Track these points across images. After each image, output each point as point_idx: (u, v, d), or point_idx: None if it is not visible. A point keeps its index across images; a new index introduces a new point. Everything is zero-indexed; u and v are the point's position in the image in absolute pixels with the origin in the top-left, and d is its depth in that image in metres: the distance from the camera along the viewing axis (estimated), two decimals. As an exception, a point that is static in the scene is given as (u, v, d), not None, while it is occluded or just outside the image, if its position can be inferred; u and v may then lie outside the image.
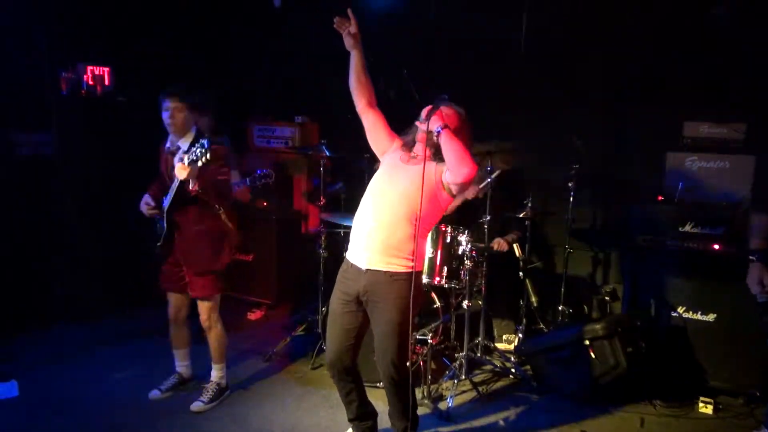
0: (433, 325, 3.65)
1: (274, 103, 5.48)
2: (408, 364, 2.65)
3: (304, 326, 4.20)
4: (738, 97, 3.81)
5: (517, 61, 4.41)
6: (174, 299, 3.43)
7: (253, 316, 4.83)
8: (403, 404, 2.75)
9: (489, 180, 3.73)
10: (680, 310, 3.59)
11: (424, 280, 3.57)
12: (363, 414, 2.89)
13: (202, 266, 3.28)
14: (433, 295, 3.87)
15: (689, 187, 3.74)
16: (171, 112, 3.13)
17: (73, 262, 4.56)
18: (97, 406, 3.32)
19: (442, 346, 3.86)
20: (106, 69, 4.82)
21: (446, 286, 3.59)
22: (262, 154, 5.18)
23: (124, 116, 4.73)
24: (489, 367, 3.83)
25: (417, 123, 2.61)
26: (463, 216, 3.98)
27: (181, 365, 3.58)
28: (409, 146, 2.69)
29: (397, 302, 2.55)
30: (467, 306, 3.64)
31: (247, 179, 4.12)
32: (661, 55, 4.06)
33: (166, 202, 3.19)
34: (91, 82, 4.74)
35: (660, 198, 3.76)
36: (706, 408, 3.44)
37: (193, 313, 3.45)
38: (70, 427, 3.10)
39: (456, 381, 3.58)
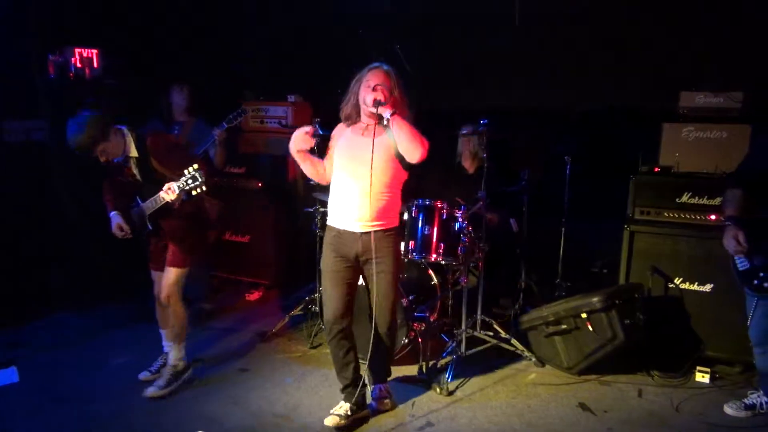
0: (430, 302, 3.65)
1: (266, 83, 5.41)
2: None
3: (302, 306, 4.20)
4: (734, 66, 3.77)
5: (512, 32, 4.35)
6: (159, 278, 3.39)
7: (251, 296, 4.84)
8: (391, 349, 3.21)
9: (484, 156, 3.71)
10: (677, 281, 3.60)
11: (421, 257, 3.57)
12: (356, 379, 3.04)
13: (186, 247, 3.29)
14: (431, 272, 3.87)
15: (686, 157, 3.71)
16: (100, 156, 3.08)
17: (68, 249, 4.54)
18: (96, 391, 3.33)
19: (441, 322, 3.87)
20: (95, 51, 4.74)
21: (443, 262, 3.59)
22: (256, 135, 5.13)
23: (114, 99, 4.66)
24: (487, 342, 3.84)
25: (365, 107, 2.81)
26: (459, 192, 3.96)
27: (169, 345, 3.50)
28: (353, 119, 2.92)
29: (391, 252, 2.92)
30: (464, 282, 3.64)
31: (223, 122, 4.20)
32: (657, 23, 4.00)
33: (143, 205, 3.19)
34: (79, 65, 4.66)
35: (657, 169, 3.73)
36: (703, 377, 3.47)
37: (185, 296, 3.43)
38: (71, 412, 3.12)
39: (455, 357, 3.59)
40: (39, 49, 4.42)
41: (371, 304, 2.99)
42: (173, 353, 3.38)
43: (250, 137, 5.13)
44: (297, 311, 4.18)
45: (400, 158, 2.83)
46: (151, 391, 3.24)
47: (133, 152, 3.17)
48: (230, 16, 5.33)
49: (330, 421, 2.94)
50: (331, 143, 3.01)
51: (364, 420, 3.04)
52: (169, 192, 3.03)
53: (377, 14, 4.62)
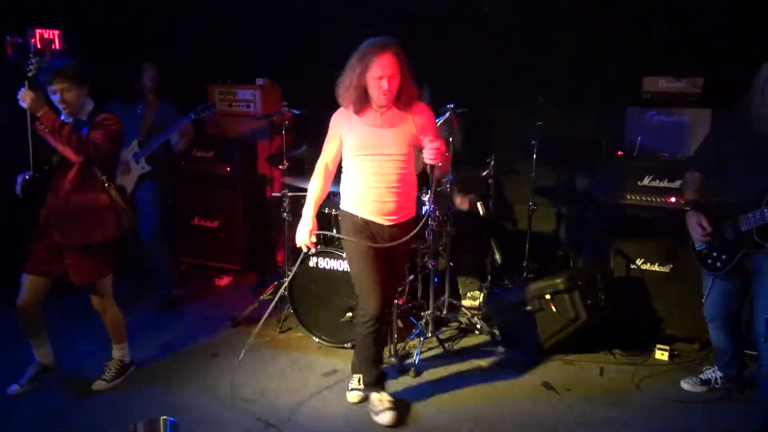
0: (399, 285, 3.68)
1: (234, 65, 5.33)
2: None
3: (271, 290, 4.21)
4: (695, 51, 3.84)
5: (481, 22, 4.36)
6: (34, 282, 3.05)
7: (221, 282, 4.82)
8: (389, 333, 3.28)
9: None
10: (639, 262, 3.69)
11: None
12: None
13: (77, 237, 2.98)
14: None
15: (648, 141, 3.79)
16: (60, 94, 2.92)
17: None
18: (65, 378, 3.30)
19: (409, 305, 3.91)
20: (56, 32, 4.61)
21: (412, 246, 3.61)
22: (224, 118, 5.06)
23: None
24: (455, 324, 3.90)
25: (378, 99, 2.66)
26: (426, 176, 3.97)
27: (41, 353, 3.23)
28: (360, 107, 2.71)
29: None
30: (432, 265, 3.67)
31: (191, 113, 4.07)
32: (621, 10, 4.05)
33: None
34: (39, 46, 4.53)
35: (620, 153, 3.80)
36: (662, 354, 3.58)
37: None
38: (35, 400, 3.09)
39: (422, 339, 3.64)
40: (-3, 29, 4.28)
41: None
42: (117, 351, 3.29)
43: (219, 120, 5.05)
44: (267, 296, 4.18)
45: (418, 150, 2.77)
46: (98, 385, 3.19)
47: (84, 116, 3.01)
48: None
49: (388, 417, 2.85)
50: (333, 131, 2.84)
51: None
52: (24, 93, 2.80)
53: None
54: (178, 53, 5.10)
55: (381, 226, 2.81)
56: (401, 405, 2.97)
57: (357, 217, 2.82)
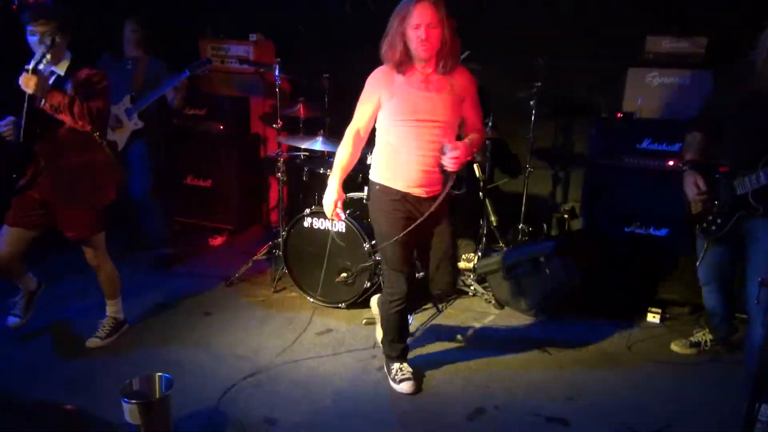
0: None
1: (227, 20, 5.18)
2: None
3: (265, 250, 4.19)
4: (699, 10, 3.75)
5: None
6: (17, 234, 2.94)
7: (215, 242, 4.80)
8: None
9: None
10: (634, 225, 3.68)
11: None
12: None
13: (83, 201, 2.96)
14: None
15: (648, 103, 3.73)
16: (41, 36, 2.71)
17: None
18: (59, 335, 3.31)
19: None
20: (41, -20, 4.45)
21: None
22: (217, 75, 4.95)
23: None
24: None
25: (418, 53, 2.48)
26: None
27: (24, 284, 3.21)
28: (404, 64, 2.50)
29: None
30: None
31: (186, 68, 3.95)
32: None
33: (21, 122, 2.75)
34: (22, -6, 4.38)
35: (619, 115, 3.74)
36: (654, 317, 3.61)
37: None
38: (28, 355, 3.10)
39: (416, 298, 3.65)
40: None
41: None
42: (111, 307, 3.26)
43: (211, 77, 4.93)
44: (261, 256, 4.17)
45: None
46: (92, 342, 3.18)
47: (61, 69, 2.85)
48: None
49: (408, 386, 2.82)
50: (371, 93, 2.60)
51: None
52: (26, 78, 2.62)
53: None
54: (168, 5, 4.94)
55: (418, 198, 2.63)
56: (418, 374, 2.94)
57: (392, 190, 2.63)
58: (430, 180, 2.61)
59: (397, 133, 2.57)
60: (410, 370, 2.90)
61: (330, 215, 2.71)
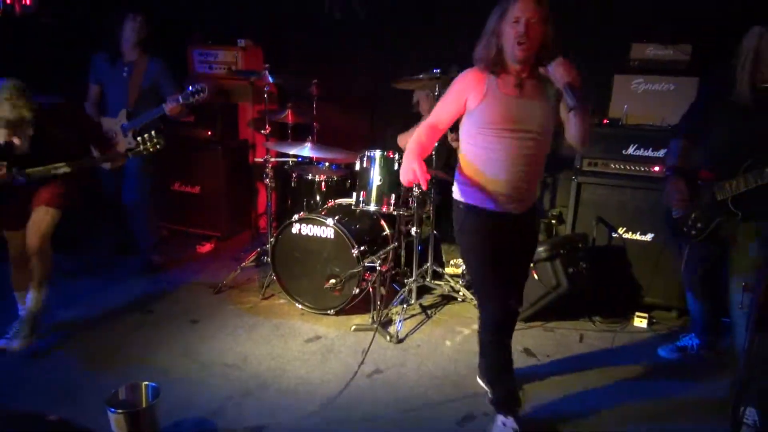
0: (382, 252, 3.67)
1: (214, 25, 5.17)
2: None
3: (254, 257, 4.17)
4: (684, 18, 3.79)
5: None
6: (17, 237, 3.16)
7: (203, 249, 4.77)
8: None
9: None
10: (621, 230, 3.72)
11: (372, 208, 3.56)
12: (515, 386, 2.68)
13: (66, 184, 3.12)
14: (383, 222, 3.88)
15: (634, 109, 3.77)
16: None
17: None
18: (38, 346, 3.24)
19: (393, 272, 3.91)
20: (28, -13, 4.43)
21: (395, 213, 3.60)
22: (205, 81, 4.92)
23: (50, 38, 4.38)
24: (438, 291, 3.92)
25: (514, 54, 2.20)
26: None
27: (34, 290, 3.24)
28: (497, 65, 2.26)
29: (536, 230, 2.65)
30: (416, 232, 3.66)
31: (179, 96, 3.85)
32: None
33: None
34: (8, 1, 4.35)
35: (605, 121, 3.78)
36: (641, 322, 3.64)
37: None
38: (9, 366, 3.06)
39: (405, 305, 3.65)
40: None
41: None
42: (36, 296, 3.19)
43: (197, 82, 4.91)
44: (249, 263, 4.15)
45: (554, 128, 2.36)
46: (10, 345, 3.12)
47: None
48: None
49: None
50: (459, 93, 2.34)
51: None
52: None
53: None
54: (155, 10, 4.92)
55: (507, 215, 2.38)
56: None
57: (483, 212, 2.38)
58: (519, 197, 2.38)
59: (486, 144, 2.31)
60: (517, 429, 2.49)
61: (410, 180, 2.33)
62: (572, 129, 2.28)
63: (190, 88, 3.84)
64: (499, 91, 2.27)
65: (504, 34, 2.20)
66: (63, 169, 2.91)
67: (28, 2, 4.42)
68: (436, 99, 3.61)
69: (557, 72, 2.18)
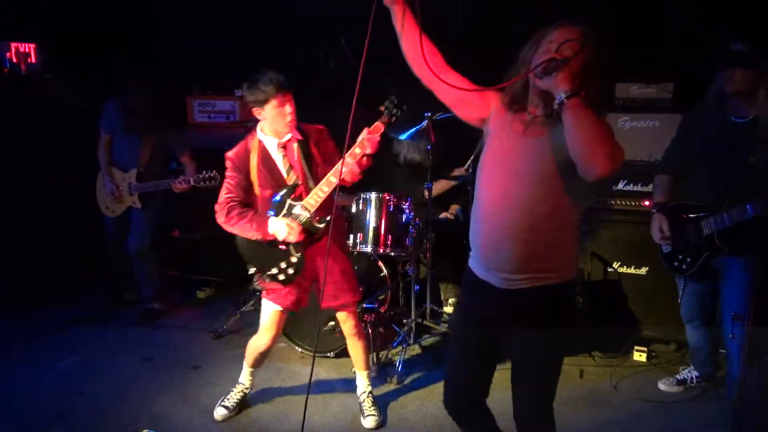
0: (380, 293, 3.71)
1: (213, 76, 5.34)
2: None
3: (253, 301, 4.20)
4: (665, 57, 3.93)
5: (454, 31, 4.40)
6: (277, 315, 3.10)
7: (203, 294, 4.80)
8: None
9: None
10: (615, 265, 3.76)
11: (369, 249, 3.60)
12: None
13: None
14: (380, 263, 3.92)
15: (622, 146, 3.86)
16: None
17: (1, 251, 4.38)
18: (40, 395, 3.26)
19: (391, 312, 3.93)
20: (32, 45, 4.60)
21: (392, 254, 3.64)
22: (204, 130, 5.06)
23: (53, 94, 4.52)
24: (437, 330, 3.93)
25: (534, 80, 1.78)
26: (407, 184, 4.02)
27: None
28: (517, 102, 1.88)
29: (552, 325, 1.96)
30: (413, 273, 3.70)
31: (191, 179, 3.98)
32: (594, 20, 4.11)
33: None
34: (15, 60, 4.52)
35: (595, 158, 3.86)
36: (640, 356, 3.64)
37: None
38: (15, 416, 3.05)
39: (405, 346, 3.66)
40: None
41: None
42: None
43: (199, 133, 5.05)
44: (248, 307, 4.17)
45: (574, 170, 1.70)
46: None
47: None
48: (172, 9, 5.22)
49: None
50: (490, 101, 1.98)
51: None
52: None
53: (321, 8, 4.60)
54: (154, 64, 5.09)
55: (493, 289, 1.88)
56: None
57: (471, 274, 1.96)
58: (506, 260, 1.84)
59: (479, 186, 1.92)
60: None
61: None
62: (568, 138, 1.66)
63: (204, 173, 3.93)
64: (505, 124, 1.89)
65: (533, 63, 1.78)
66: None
67: (33, 60, 4.58)
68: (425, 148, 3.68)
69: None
